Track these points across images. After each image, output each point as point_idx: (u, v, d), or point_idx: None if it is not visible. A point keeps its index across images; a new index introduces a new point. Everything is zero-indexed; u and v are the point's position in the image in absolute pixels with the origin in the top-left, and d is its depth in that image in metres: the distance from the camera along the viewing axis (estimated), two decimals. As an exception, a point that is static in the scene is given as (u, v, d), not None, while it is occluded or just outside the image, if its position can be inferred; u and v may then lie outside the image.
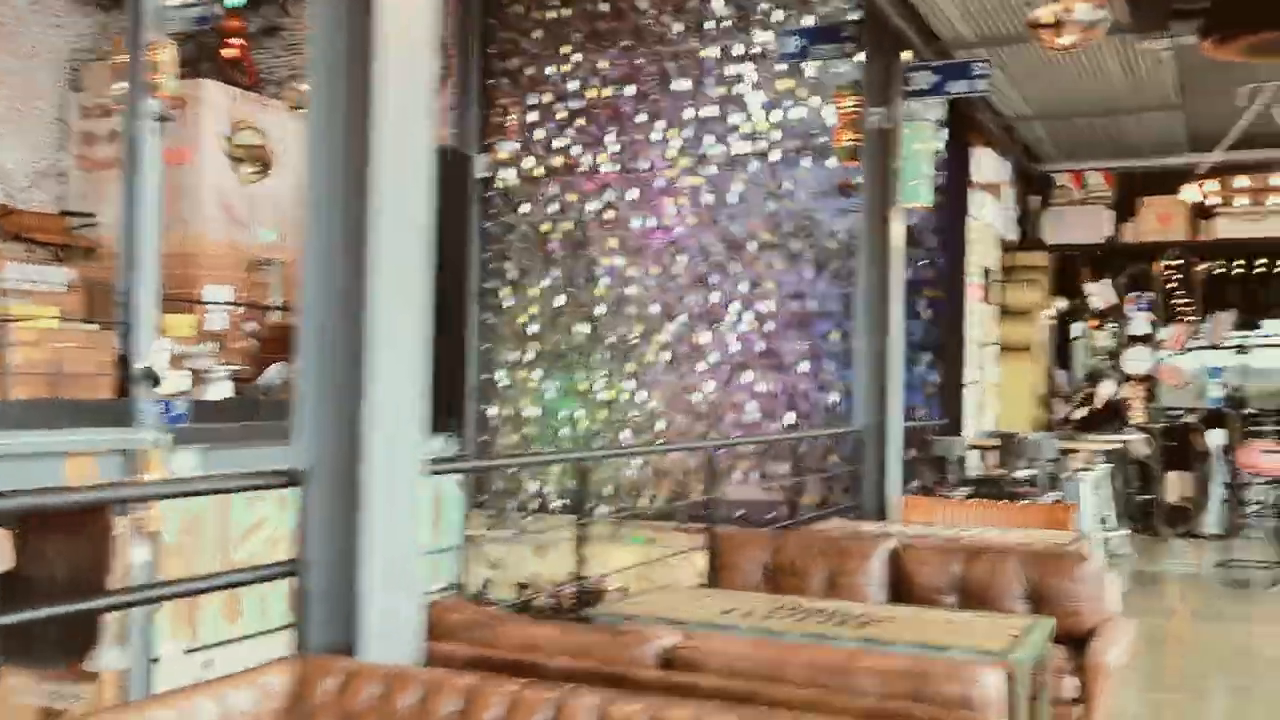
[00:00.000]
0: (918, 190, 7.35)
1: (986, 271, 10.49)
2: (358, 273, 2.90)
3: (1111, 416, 10.17)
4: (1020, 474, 8.33)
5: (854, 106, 7.43)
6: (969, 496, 7.79)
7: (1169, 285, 11.42)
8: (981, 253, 10.16)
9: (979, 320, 10.12)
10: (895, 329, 7.48)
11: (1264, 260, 11.61)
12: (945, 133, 9.13)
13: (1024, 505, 6.90)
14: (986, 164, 10.24)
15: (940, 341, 9.68)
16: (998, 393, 10.79)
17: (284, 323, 12.54)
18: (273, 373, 11.55)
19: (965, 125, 9.57)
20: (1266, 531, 8.86)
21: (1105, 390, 10.39)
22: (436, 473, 4.08)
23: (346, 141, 2.94)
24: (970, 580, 4.54)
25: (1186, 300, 11.35)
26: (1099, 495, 9.67)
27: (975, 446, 8.39)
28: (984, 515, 6.70)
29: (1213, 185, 8.33)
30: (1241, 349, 13.96)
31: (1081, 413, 10.76)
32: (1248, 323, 13.46)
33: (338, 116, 2.95)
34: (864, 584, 4.71)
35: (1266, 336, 11.45)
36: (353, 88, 2.92)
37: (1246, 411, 12.35)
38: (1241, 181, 8.18)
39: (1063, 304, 11.04)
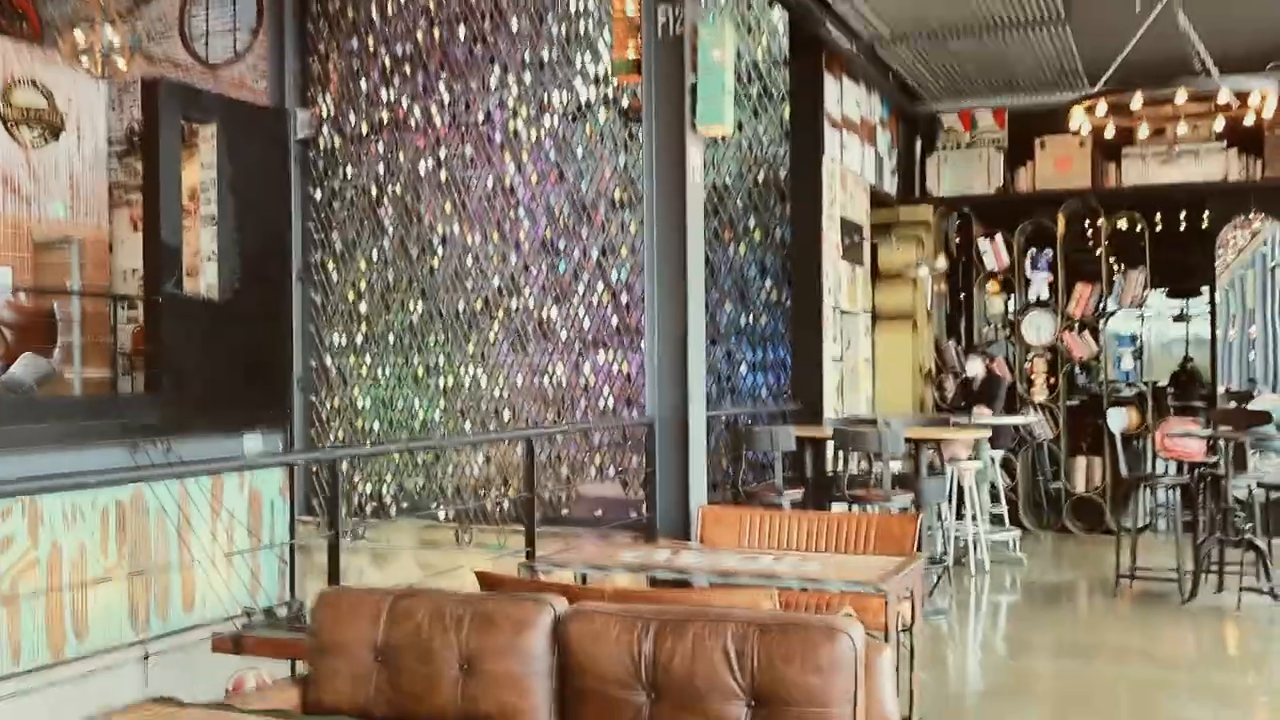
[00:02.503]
0: (719, 110, 5.68)
1: (856, 227, 8.86)
2: None
3: (987, 397, 8.59)
4: (893, 469, 6.72)
5: (635, 5, 5.75)
6: (799, 503, 6.19)
7: (1072, 241, 9.82)
8: (845, 204, 8.52)
9: (844, 284, 8.48)
10: (695, 288, 5.83)
11: (1184, 210, 10.07)
12: (783, 48, 7.49)
13: (859, 515, 5.26)
14: (849, 99, 8.59)
15: (792, 309, 8.06)
16: (872, 370, 9.18)
17: (38, 307, 10.75)
18: (20, 367, 9.73)
19: (814, 48, 7.91)
20: (1179, 527, 7.29)
21: (974, 368, 8.79)
22: None
23: None
24: (666, 668, 2.88)
25: (1093, 258, 9.75)
26: (983, 490, 8.10)
27: (803, 438, 6.75)
28: (803, 531, 5.07)
29: (1106, 108, 6.70)
30: (1182, 317, 12.47)
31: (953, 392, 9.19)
32: (1185, 290, 11.96)
33: None
34: (519, 673, 3.04)
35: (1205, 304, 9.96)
36: None
37: (1166, 386, 10.90)
38: (1140, 102, 6.54)
39: (942, 264, 9.40)
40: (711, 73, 5.66)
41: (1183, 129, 7.33)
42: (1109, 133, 7.23)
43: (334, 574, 4.13)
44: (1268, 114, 6.58)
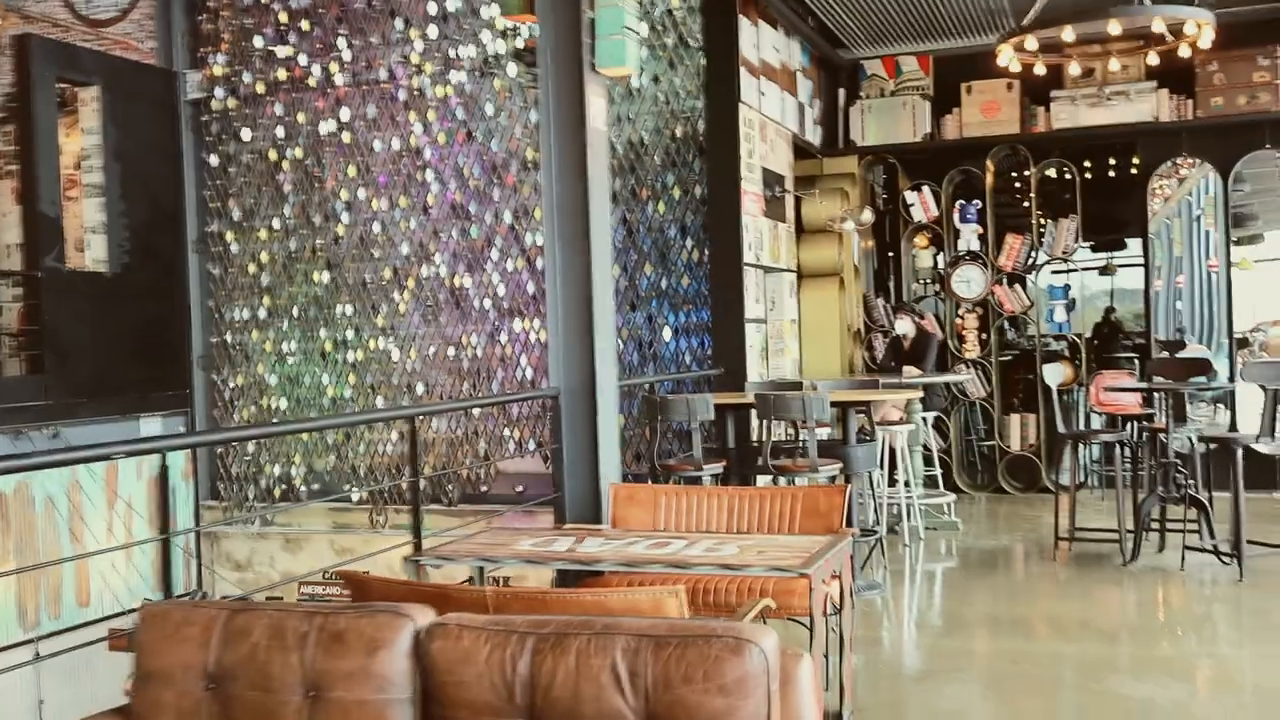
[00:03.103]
0: (619, 50, 5.17)
1: (779, 178, 8.41)
2: None
3: (918, 356, 8.22)
4: (821, 436, 6.29)
5: (524, -68, 5.22)
6: (720, 476, 5.74)
7: (1001, 191, 9.47)
8: (766, 154, 8.06)
9: (766, 240, 8.04)
10: (600, 245, 5.34)
11: (1113, 156, 9.76)
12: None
13: (783, 489, 4.82)
14: (766, 44, 8.12)
15: (711, 268, 7.61)
16: (798, 331, 8.76)
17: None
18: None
19: (728, -12, 7.43)
20: (1119, 484, 6.95)
21: (904, 326, 8.41)
22: None
23: None
24: (546, 692, 2.42)
25: (1022, 207, 9.41)
26: (916, 454, 7.74)
27: (724, 405, 6.30)
28: (723, 508, 4.65)
29: (1036, 44, 6.30)
30: (1107, 269, 12.28)
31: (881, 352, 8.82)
32: (1111, 242, 11.77)
33: None
34: (373, 700, 2.55)
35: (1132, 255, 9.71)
36: None
37: (1090, 338, 10.67)
38: (1071, 35, 6.14)
39: (868, 217, 8.99)
40: (611, 8, 5.15)
41: (1114, 66, 6.97)
42: (1039, 69, 6.84)
43: (168, 583, 3.60)
44: (1204, 44, 6.22)
